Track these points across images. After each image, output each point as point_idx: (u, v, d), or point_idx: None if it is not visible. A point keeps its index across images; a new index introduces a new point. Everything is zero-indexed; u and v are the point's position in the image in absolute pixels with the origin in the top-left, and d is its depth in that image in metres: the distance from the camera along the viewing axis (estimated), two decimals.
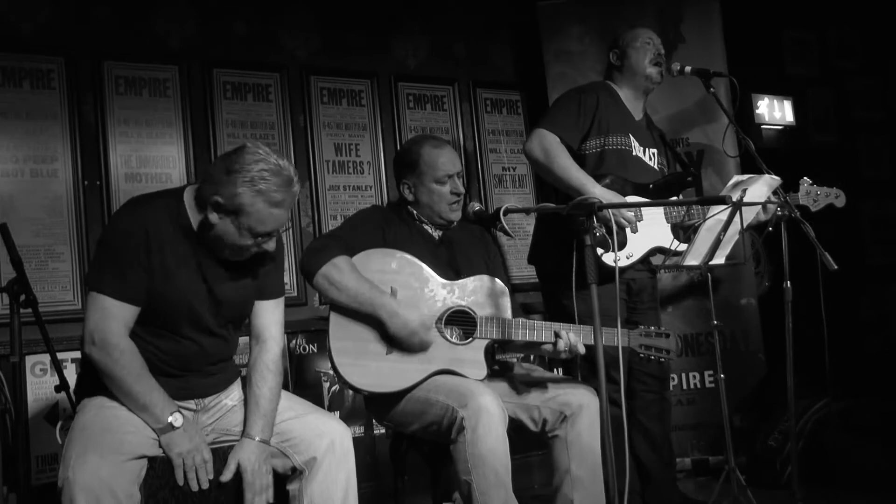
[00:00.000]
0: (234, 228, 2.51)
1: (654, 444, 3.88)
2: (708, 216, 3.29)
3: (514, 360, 3.70)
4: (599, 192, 3.50)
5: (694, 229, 3.41)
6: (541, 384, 3.22)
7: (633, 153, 3.77)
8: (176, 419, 2.50)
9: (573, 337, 3.10)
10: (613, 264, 3.45)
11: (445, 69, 5.13)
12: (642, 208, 3.64)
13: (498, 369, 3.36)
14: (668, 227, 3.67)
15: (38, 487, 3.68)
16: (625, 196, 3.62)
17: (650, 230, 3.63)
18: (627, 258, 3.63)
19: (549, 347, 3.15)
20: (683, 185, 3.85)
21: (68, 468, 2.32)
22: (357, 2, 4.88)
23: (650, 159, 3.84)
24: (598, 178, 3.63)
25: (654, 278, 3.94)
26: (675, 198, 3.77)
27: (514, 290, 4.86)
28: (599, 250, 3.46)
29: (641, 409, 3.85)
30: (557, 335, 3.11)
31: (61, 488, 2.32)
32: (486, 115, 5.22)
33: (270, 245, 2.58)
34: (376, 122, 4.84)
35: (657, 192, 3.73)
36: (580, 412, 3.10)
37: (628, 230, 3.62)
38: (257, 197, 2.46)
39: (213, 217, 2.50)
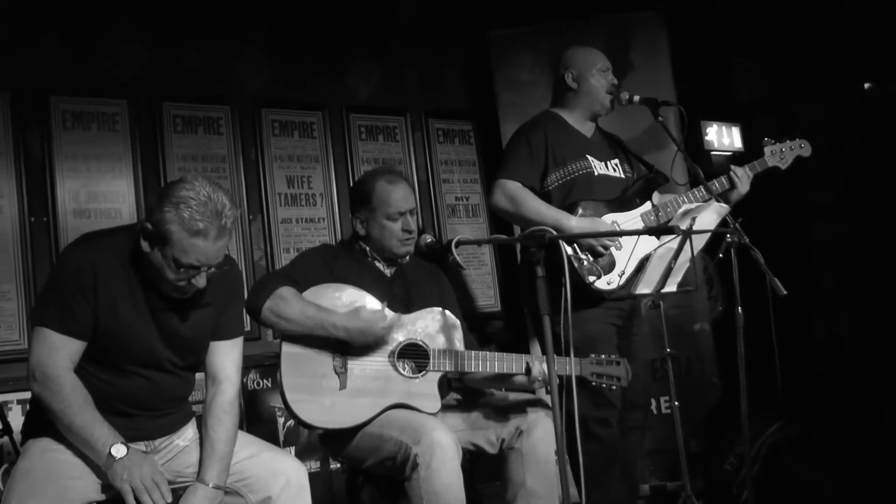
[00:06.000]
0: (160, 259, 2.45)
1: (627, 473, 3.86)
2: (659, 244, 3.30)
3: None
4: (576, 224, 3.56)
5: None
6: (496, 408, 3.23)
7: (596, 173, 3.77)
8: (118, 450, 2.41)
9: (545, 367, 3.06)
10: (607, 286, 3.58)
11: (397, 100, 5.14)
12: (618, 222, 3.67)
13: (462, 399, 3.36)
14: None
15: None
16: (600, 217, 3.65)
17: (634, 242, 3.60)
18: (619, 277, 3.61)
19: (522, 378, 3.15)
20: (654, 185, 3.87)
21: None
22: (308, 33, 4.88)
23: (614, 170, 3.85)
24: (570, 208, 3.65)
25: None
26: (644, 205, 3.78)
27: (480, 318, 5.02)
28: (591, 277, 3.53)
29: (623, 435, 3.81)
30: (529, 365, 3.11)
31: None
32: (438, 146, 5.23)
33: (199, 281, 2.49)
34: (328, 154, 4.82)
35: (629, 201, 3.77)
36: (535, 424, 3.11)
37: (612, 248, 3.63)
38: (179, 224, 2.40)
39: (145, 246, 2.46)
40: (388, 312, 3.05)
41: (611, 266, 3.63)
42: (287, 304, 3.00)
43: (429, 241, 3.19)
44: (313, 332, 3.01)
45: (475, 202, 5.30)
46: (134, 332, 2.54)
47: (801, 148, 3.92)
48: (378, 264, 3.34)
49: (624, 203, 3.77)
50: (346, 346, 3.06)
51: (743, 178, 3.76)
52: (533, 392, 3.29)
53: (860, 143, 6.06)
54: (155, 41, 4.43)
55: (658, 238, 3.30)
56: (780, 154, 3.87)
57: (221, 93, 4.58)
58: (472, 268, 5.14)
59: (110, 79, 4.30)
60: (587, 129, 3.91)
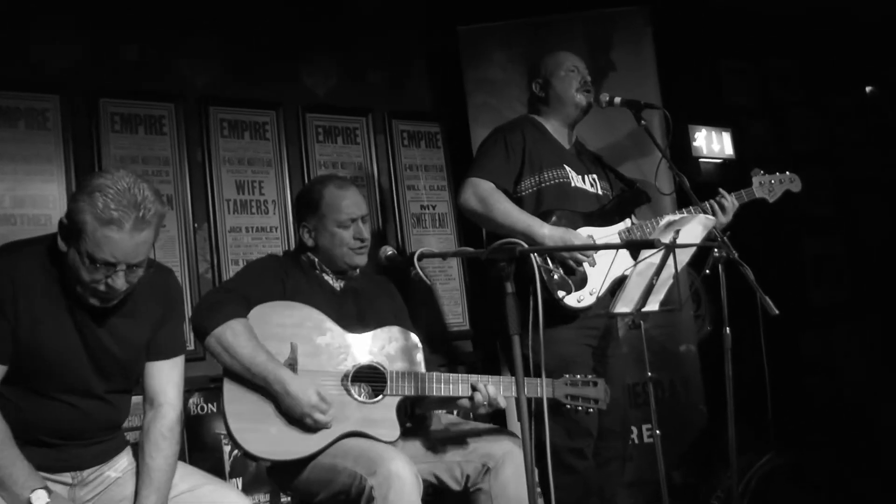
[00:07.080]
0: (76, 256, 2.32)
1: None
2: (636, 263, 3.18)
3: (438, 413, 3.57)
4: (548, 232, 3.49)
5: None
6: (461, 438, 3.13)
7: (573, 184, 3.72)
8: (38, 497, 2.29)
9: (493, 390, 2.99)
10: (577, 304, 3.52)
11: (358, 99, 4.94)
12: (594, 237, 3.62)
13: (411, 426, 3.23)
14: (626, 253, 3.49)
15: None
16: (575, 229, 3.59)
17: (609, 260, 3.50)
18: (591, 294, 3.53)
19: (465, 402, 3.06)
20: (635, 202, 3.81)
21: None
22: (262, 24, 4.66)
23: (591, 186, 3.79)
24: (544, 216, 3.59)
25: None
26: (623, 222, 3.72)
27: (447, 338, 4.89)
28: (561, 293, 3.46)
29: (600, 466, 3.70)
30: (475, 388, 3.00)
31: None
32: (402, 149, 5.02)
33: (117, 281, 2.35)
34: (282, 157, 4.58)
35: (607, 216, 3.70)
36: (504, 461, 3.01)
37: (586, 265, 3.56)
38: (91, 213, 2.28)
39: (62, 245, 2.35)
40: (329, 416, 2.92)
41: (583, 282, 3.53)
42: (238, 340, 2.89)
43: (389, 253, 3.07)
44: (254, 379, 2.90)
45: (443, 210, 5.10)
46: (59, 353, 2.42)
47: (790, 182, 3.95)
48: (327, 277, 3.26)
49: (602, 218, 3.70)
50: (293, 369, 2.95)
51: (729, 207, 3.72)
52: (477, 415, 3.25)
53: (856, 153, 6.12)
54: (91, 30, 4.16)
55: (637, 254, 3.20)
56: (769, 186, 3.88)
57: (165, 89, 4.31)
58: (438, 283, 4.97)
59: (40, 71, 4.03)
60: (566, 139, 3.86)
